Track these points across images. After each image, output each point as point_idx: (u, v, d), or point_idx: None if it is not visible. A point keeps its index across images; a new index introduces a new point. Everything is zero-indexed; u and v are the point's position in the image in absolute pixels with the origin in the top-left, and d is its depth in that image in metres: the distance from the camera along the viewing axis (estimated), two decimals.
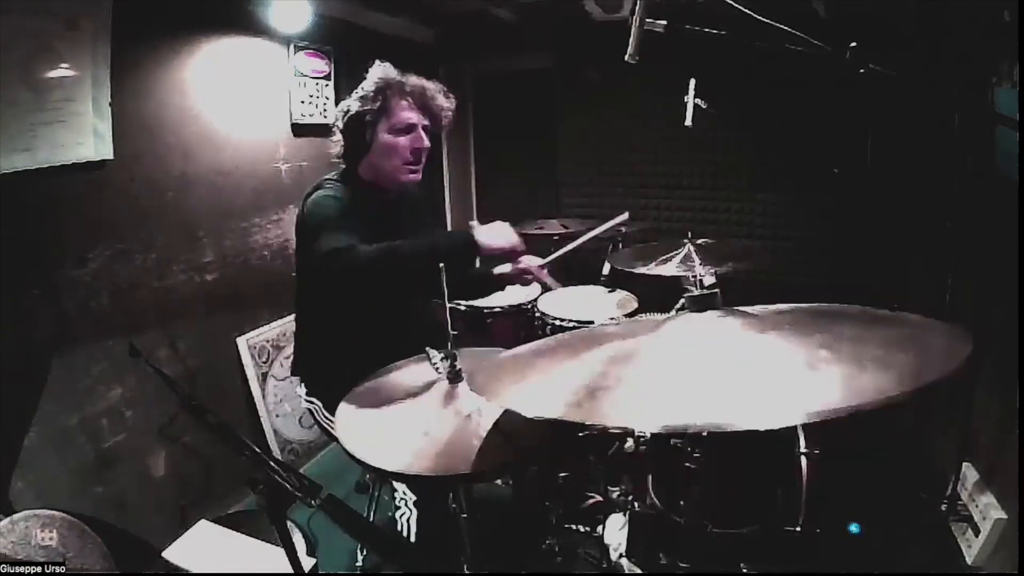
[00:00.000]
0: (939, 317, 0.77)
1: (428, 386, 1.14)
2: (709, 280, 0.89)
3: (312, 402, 1.61)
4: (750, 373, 0.66)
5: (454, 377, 1.13)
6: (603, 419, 0.63)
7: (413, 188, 1.61)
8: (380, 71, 1.50)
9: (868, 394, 0.54)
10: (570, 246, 1.66)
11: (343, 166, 1.58)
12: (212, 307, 2.21)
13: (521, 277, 1.64)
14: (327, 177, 1.55)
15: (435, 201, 3.61)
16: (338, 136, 1.55)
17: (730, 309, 0.86)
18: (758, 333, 0.76)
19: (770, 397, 0.61)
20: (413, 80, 1.50)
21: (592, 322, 1.93)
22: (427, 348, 1.19)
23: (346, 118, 1.49)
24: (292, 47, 2.45)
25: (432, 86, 1.53)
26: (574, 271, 2.14)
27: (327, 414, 1.55)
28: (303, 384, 1.65)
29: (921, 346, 0.66)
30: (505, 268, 1.67)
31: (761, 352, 0.70)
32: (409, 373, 1.22)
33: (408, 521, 1.43)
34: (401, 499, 1.44)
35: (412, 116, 1.49)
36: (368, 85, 1.48)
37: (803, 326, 0.76)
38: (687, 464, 1.25)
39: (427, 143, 1.52)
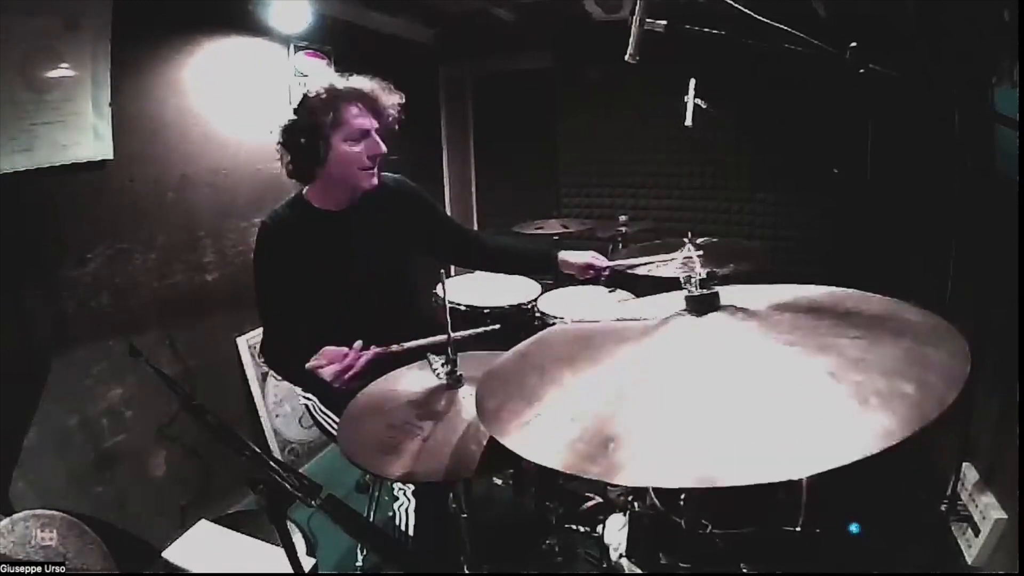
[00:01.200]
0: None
1: (429, 391, 1.14)
2: (706, 277, 0.87)
3: (308, 398, 1.61)
4: (758, 413, 0.66)
5: (454, 382, 1.14)
6: (621, 478, 0.62)
7: (369, 203, 1.57)
8: (324, 80, 1.49)
9: (873, 440, 0.60)
10: (632, 261, 1.86)
11: (298, 192, 1.58)
12: (212, 307, 2.22)
13: (586, 273, 1.78)
14: (274, 210, 1.55)
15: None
16: (283, 152, 1.49)
17: (729, 308, 0.85)
18: (762, 343, 0.76)
19: (780, 447, 0.62)
20: (359, 83, 1.48)
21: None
22: (428, 355, 1.20)
23: (296, 131, 1.44)
24: (292, 47, 2.45)
25: (377, 85, 1.50)
26: None
27: (323, 409, 1.56)
28: None
29: (923, 369, 0.66)
30: (574, 258, 1.79)
31: (768, 378, 0.71)
32: (409, 378, 1.22)
33: (407, 511, 1.43)
34: (400, 489, 1.45)
35: (365, 122, 1.46)
36: (315, 95, 1.44)
37: (807, 335, 0.76)
38: None
39: (383, 148, 1.49)
